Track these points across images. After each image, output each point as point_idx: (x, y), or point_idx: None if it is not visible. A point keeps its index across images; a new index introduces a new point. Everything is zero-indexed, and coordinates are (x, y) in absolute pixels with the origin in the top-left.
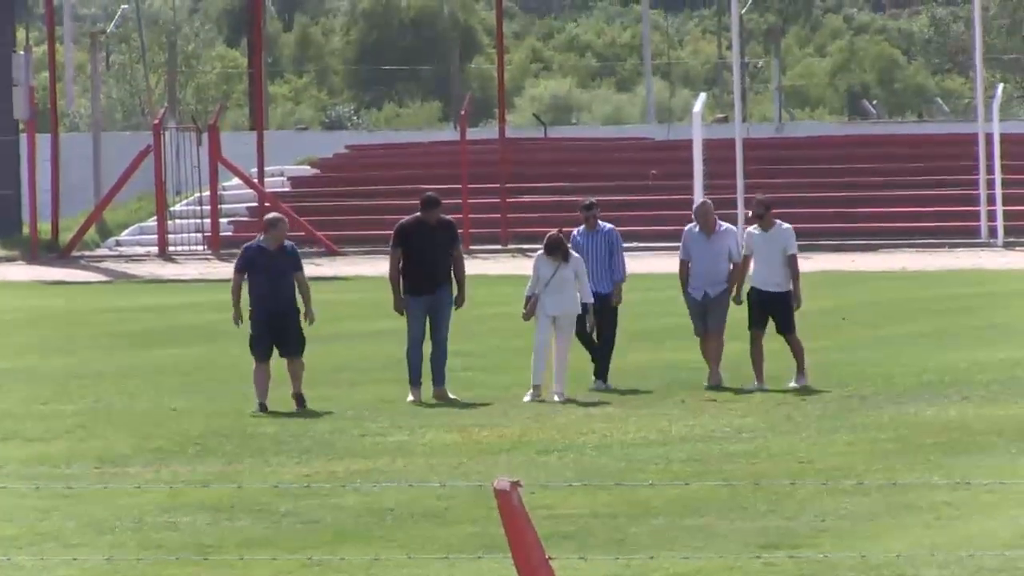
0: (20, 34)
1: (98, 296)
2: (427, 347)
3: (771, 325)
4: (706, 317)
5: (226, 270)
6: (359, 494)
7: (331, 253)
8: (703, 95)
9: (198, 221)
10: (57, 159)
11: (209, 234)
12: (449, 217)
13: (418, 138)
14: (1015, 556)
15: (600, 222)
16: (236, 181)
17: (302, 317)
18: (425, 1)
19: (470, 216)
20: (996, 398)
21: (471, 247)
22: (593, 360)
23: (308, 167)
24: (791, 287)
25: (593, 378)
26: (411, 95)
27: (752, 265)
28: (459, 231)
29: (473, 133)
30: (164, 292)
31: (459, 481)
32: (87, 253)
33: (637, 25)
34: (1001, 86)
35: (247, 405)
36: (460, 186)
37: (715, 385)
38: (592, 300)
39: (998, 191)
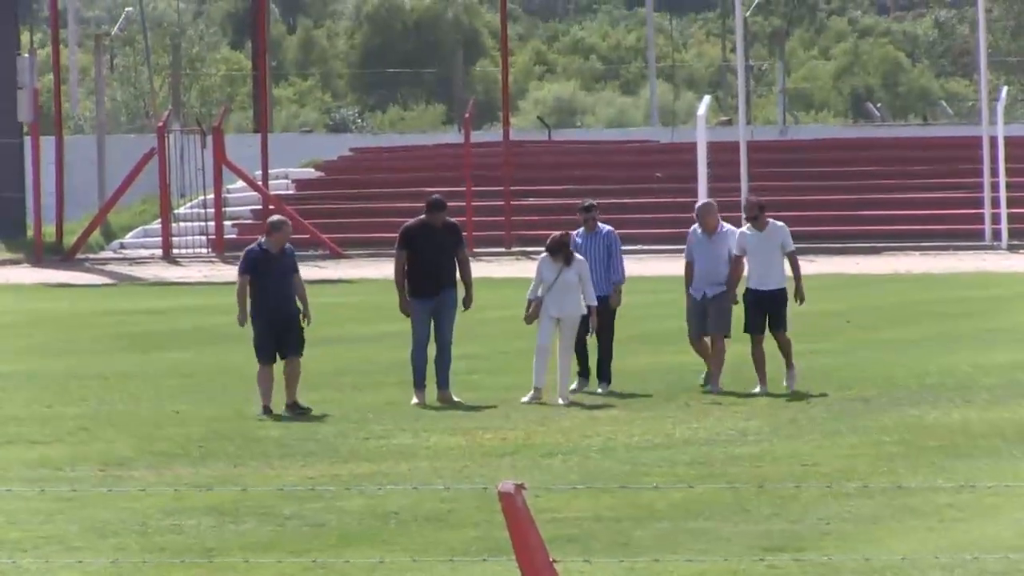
0: (24, 37)
1: (102, 299)
2: (431, 350)
3: None
4: (705, 319)
5: (230, 273)
6: (363, 497)
7: (335, 256)
8: (707, 98)
9: (202, 224)
10: (61, 162)
11: (213, 237)
12: (454, 220)
13: (422, 141)
14: (1019, 559)
15: (599, 224)
16: (240, 184)
17: (301, 318)
18: (429, 4)
19: (474, 219)
20: (999, 401)
21: (475, 250)
22: (580, 372)
23: (312, 170)
24: (786, 285)
25: (596, 380)
26: (415, 98)
27: (747, 266)
28: (463, 233)
29: (477, 136)
30: (168, 295)
31: (463, 484)
32: (91, 256)
33: (641, 28)
34: (1005, 89)
35: (251, 408)
36: (464, 189)
37: (715, 390)
38: (596, 303)
39: (1002, 194)
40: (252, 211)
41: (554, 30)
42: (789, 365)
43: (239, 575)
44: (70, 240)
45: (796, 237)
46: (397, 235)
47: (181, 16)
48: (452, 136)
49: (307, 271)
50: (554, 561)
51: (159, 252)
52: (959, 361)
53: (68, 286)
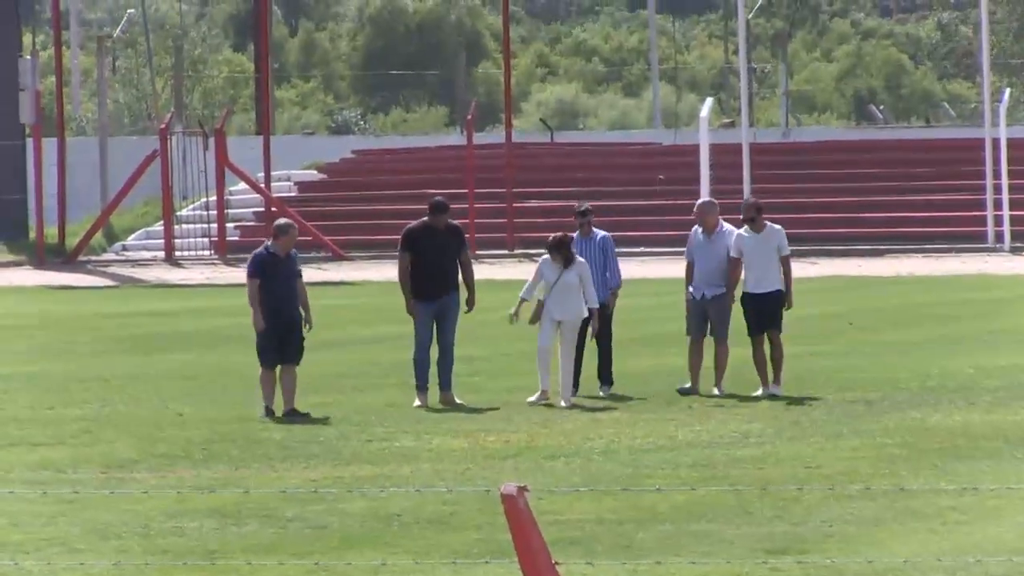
0: (27, 39)
1: (104, 301)
2: (434, 352)
3: None
4: (705, 320)
5: (232, 275)
6: (366, 499)
7: (338, 258)
8: (710, 100)
9: (204, 226)
10: (63, 164)
11: (216, 239)
12: (456, 222)
13: (425, 143)
14: (1021, 561)
15: (594, 229)
16: (243, 186)
17: (303, 324)
18: (432, 6)
19: (476, 221)
20: (1002, 403)
21: (477, 252)
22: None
23: (315, 172)
24: (782, 287)
25: (598, 383)
26: (418, 100)
27: (743, 268)
28: (466, 235)
29: (480, 138)
30: (170, 297)
31: (466, 486)
32: (93, 258)
33: (644, 30)
34: (1008, 90)
35: (253, 410)
36: (466, 191)
37: (719, 392)
38: (597, 306)
39: (1004, 196)
40: (254, 213)
41: (556, 32)
42: (776, 378)
43: None
44: (72, 242)
45: (798, 239)
46: (400, 237)
47: (183, 18)
48: (454, 138)
49: (309, 273)
50: (556, 563)
51: (161, 254)
52: (961, 363)
53: (70, 288)
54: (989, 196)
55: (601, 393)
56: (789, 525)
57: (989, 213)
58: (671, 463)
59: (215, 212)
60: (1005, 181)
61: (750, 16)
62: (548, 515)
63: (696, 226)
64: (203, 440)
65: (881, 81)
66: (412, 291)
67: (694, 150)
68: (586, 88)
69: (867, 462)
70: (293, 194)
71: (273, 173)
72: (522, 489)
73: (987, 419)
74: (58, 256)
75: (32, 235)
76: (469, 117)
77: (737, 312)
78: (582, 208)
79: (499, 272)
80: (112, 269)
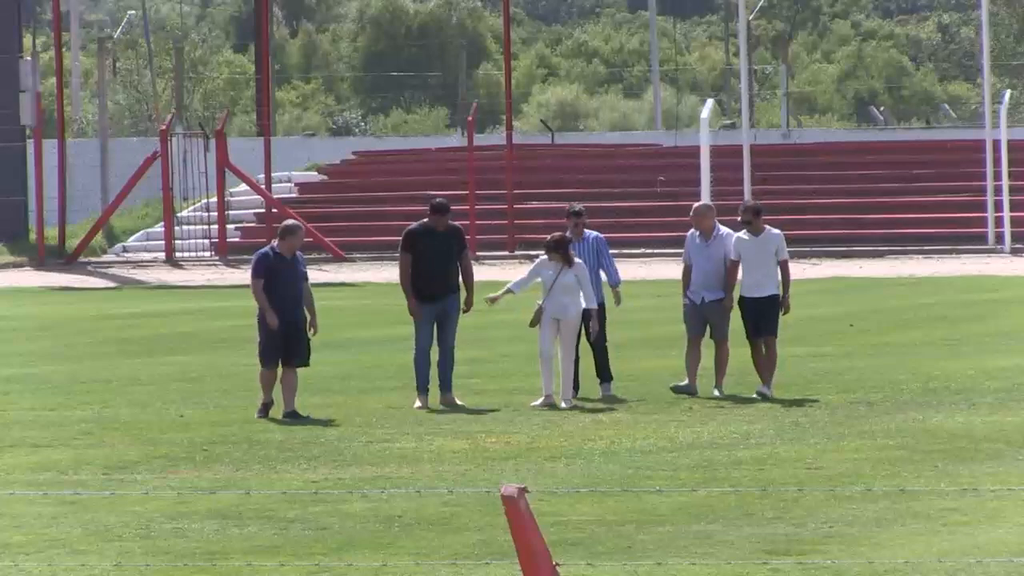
0: (27, 40)
1: (105, 302)
2: (434, 353)
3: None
4: (703, 323)
5: (233, 276)
6: (367, 501)
7: (338, 259)
8: (710, 101)
9: (205, 227)
10: (64, 165)
11: (216, 240)
12: (457, 223)
13: (425, 144)
14: (1022, 563)
15: (586, 230)
16: (243, 187)
17: (308, 327)
18: (433, 8)
19: (477, 222)
20: (1003, 405)
21: (478, 253)
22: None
23: (315, 173)
24: (778, 291)
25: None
26: (418, 101)
27: (741, 271)
28: (467, 237)
29: (480, 139)
30: (171, 298)
31: (466, 488)
32: (94, 259)
33: (644, 31)
34: (1008, 92)
35: (254, 411)
36: (467, 192)
37: (719, 393)
38: (595, 306)
39: (1005, 197)
40: (255, 214)
41: (557, 34)
42: (767, 382)
43: None
44: (73, 243)
45: (799, 240)
46: (400, 238)
47: (184, 19)
48: (455, 139)
49: (310, 274)
50: (557, 565)
51: (162, 255)
52: (962, 365)
53: (71, 289)
54: (990, 197)
55: (602, 392)
56: (790, 526)
57: (990, 214)
58: (672, 464)
59: (216, 213)
60: (1006, 182)
61: (751, 18)
62: (549, 516)
63: (692, 230)
64: (204, 441)
65: (882, 82)
66: (413, 292)
67: (695, 152)
68: (587, 89)
69: (868, 463)
70: (294, 195)
71: (274, 174)
72: (522, 490)
73: (988, 420)
74: (59, 257)
75: (33, 236)
76: (470, 118)
77: (735, 314)
78: (576, 208)
79: (500, 273)
80: (113, 270)
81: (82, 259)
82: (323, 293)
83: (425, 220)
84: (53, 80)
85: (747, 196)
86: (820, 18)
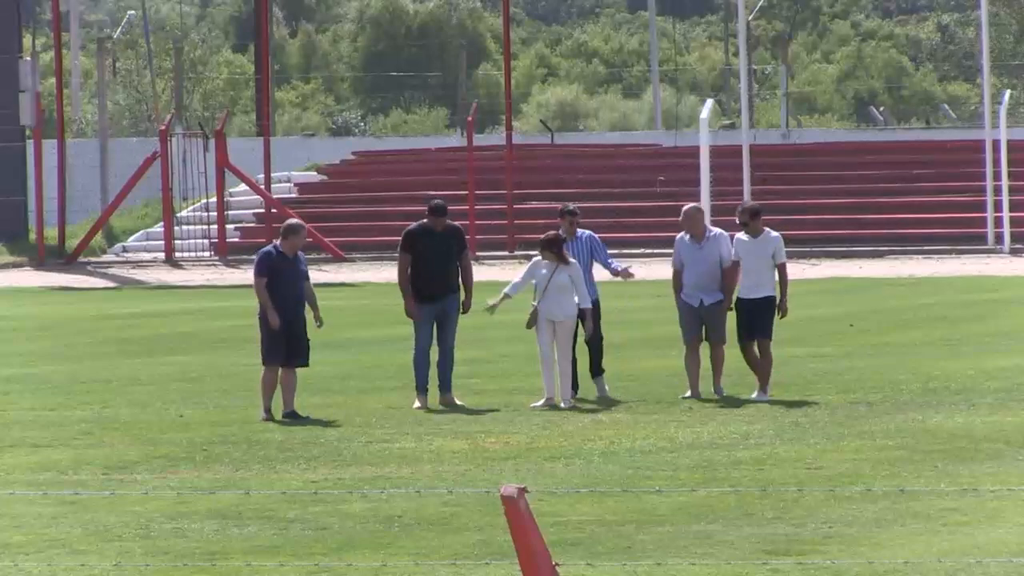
0: (27, 40)
1: (105, 302)
2: (434, 354)
3: None
4: (700, 325)
5: (232, 276)
6: (366, 501)
7: (338, 259)
8: (710, 102)
9: (204, 227)
10: (63, 165)
11: (216, 240)
12: (457, 223)
13: (425, 144)
14: (1022, 563)
15: (579, 229)
16: (243, 187)
17: (314, 321)
18: (432, 8)
19: (476, 222)
20: (1003, 405)
21: (477, 253)
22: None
23: (315, 173)
24: (774, 293)
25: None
26: (418, 101)
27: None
28: (466, 237)
29: (480, 139)
30: (171, 298)
31: (466, 488)
32: (93, 259)
33: (644, 31)
34: (1008, 92)
35: (254, 412)
36: (467, 192)
37: (718, 393)
38: (589, 305)
39: (1005, 197)
40: (255, 215)
41: (557, 34)
42: (763, 387)
43: None
44: (72, 243)
45: (799, 241)
46: (400, 238)
47: (184, 19)
48: (455, 140)
49: (310, 274)
50: (557, 565)
51: (161, 255)
52: (962, 365)
53: (70, 289)
54: (989, 197)
55: (597, 391)
56: (789, 526)
57: (989, 214)
58: (671, 464)
59: (215, 213)
60: (1005, 182)
61: (750, 18)
62: (548, 516)
63: (682, 233)
64: (204, 441)
65: (881, 83)
66: (412, 293)
67: (694, 152)
68: (586, 90)
69: (868, 463)
70: (293, 195)
71: (273, 174)
72: (522, 490)
73: (988, 421)
74: (58, 257)
75: (32, 236)
76: (469, 119)
77: (730, 315)
78: (569, 208)
79: (499, 274)
80: (112, 270)
81: (82, 259)
82: (323, 293)
83: (424, 220)
84: (53, 80)
85: (747, 196)
86: (820, 18)
